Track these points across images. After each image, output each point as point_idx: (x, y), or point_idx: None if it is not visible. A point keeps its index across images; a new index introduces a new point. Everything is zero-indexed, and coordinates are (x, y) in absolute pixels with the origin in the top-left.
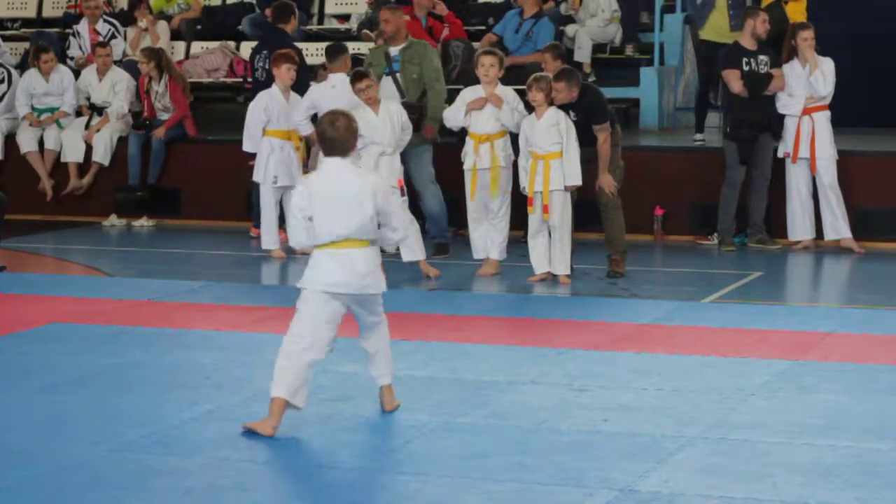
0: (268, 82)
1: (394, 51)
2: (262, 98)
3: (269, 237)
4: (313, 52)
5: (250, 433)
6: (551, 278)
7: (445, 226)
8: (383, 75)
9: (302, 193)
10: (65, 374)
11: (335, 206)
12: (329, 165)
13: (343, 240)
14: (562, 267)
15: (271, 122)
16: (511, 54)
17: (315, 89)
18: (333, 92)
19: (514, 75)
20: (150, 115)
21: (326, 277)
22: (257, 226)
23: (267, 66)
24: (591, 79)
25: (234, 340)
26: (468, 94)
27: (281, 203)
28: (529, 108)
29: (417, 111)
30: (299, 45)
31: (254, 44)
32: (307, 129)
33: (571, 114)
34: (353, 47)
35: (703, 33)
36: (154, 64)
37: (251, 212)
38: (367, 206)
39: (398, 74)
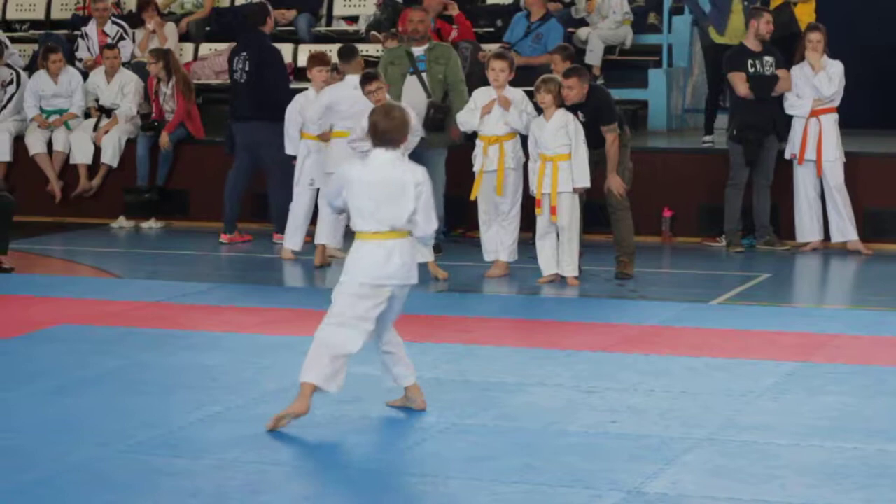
0: (249, 84)
1: (417, 51)
2: (297, 101)
3: (294, 238)
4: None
5: (268, 433)
6: (559, 280)
7: (441, 227)
8: (408, 74)
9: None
10: (72, 375)
11: (380, 195)
12: (377, 155)
13: (388, 230)
14: (570, 269)
15: (306, 124)
16: (520, 57)
17: (332, 90)
18: (356, 93)
19: (523, 77)
20: (159, 117)
21: (374, 270)
22: (279, 231)
23: (246, 68)
24: (600, 81)
25: (242, 342)
26: (480, 96)
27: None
28: (539, 110)
29: (443, 111)
30: (309, 46)
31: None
32: (318, 130)
33: (580, 115)
34: (361, 49)
35: (724, 38)
36: (162, 65)
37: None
38: (410, 199)
39: (424, 74)
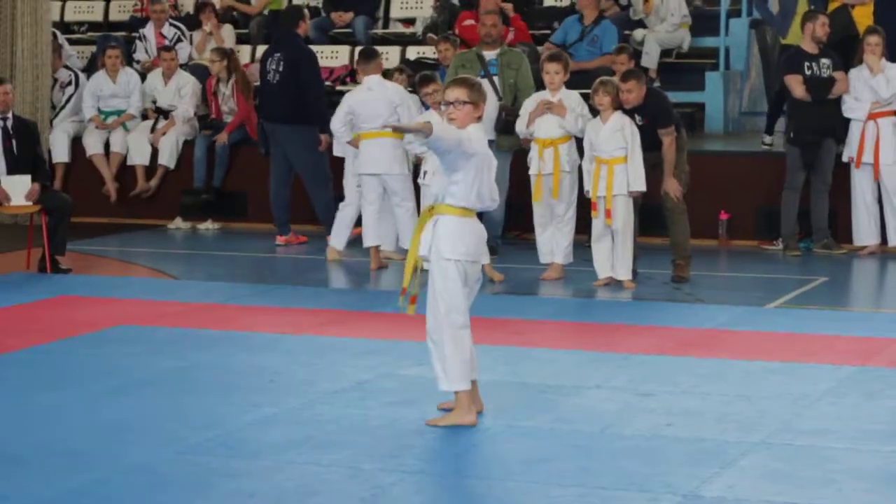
0: (281, 85)
1: (489, 55)
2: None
3: (338, 237)
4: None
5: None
6: (615, 283)
7: (500, 231)
8: (479, 77)
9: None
10: (129, 376)
11: (492, 170)
12: (479, 129)
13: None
14: (624, 272)
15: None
16: (576, 60)
17: (350, 94)
18: (371, 95)
19: (580, 80)
20: (218, 117)
21: (479, 247)
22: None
23: (279, 69)
24: (656, 83)
25: (298, 344)
26: (531, 105)
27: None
28: (594, 112)
29: (514, 114)
30: (334, 47)
31: (316, 48)
32: (347, 136)
33: (637, 118)
34: (418, 51)
35: (788, 39)
36: (225, 63)
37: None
38: None
39: (495, 78)
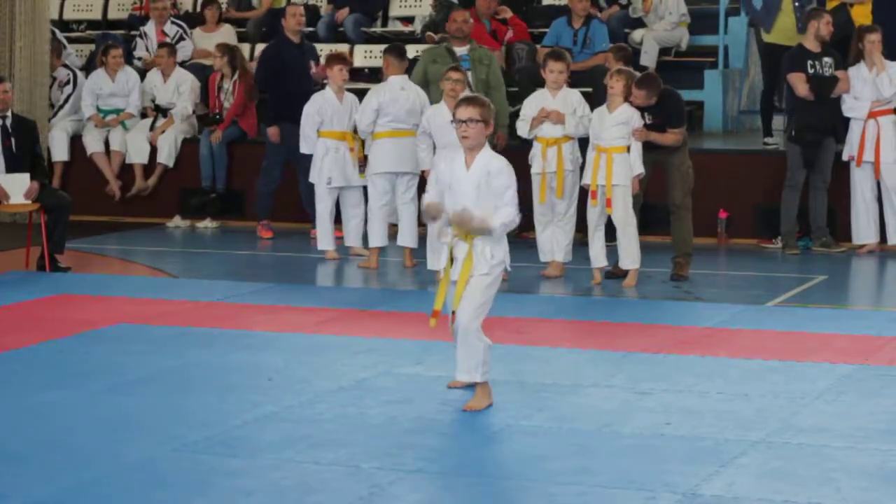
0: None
1: (459, 50)
2: (315, 100)
3: (324, 238)
4: (377, 55)
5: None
6: (613, 277)
7: None
8: None
9: None
10: (128, 374)
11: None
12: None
13: None
14: (630, 261)
15: (325, 123)
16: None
17: (380, 92)
18: (404, 94)
19: (577, 81)
20: (220, 114)
21: None
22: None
23: None
24: None
25: (297, 342)
26: (529, 105)
27: (337, 203)
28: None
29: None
30: (364, 46)
31: (319, 46)
32: (369, 134)
33: (647, 117)
34: (417, 49)
35: (771, 37)
36: (227, 59)
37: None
38: None
39: (468, 73)
